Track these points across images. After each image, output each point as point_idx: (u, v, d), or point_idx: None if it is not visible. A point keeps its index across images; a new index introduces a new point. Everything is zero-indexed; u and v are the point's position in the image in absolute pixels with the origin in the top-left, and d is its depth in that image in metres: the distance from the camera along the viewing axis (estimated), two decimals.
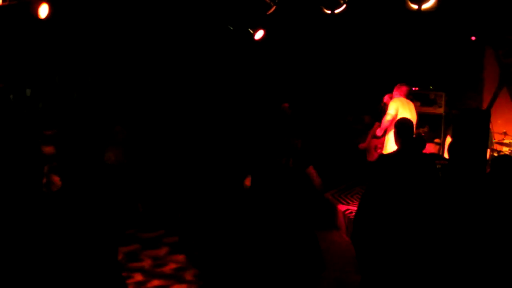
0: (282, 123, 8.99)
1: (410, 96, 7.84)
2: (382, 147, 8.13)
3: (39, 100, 8.60)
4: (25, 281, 3.14)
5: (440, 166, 6.85)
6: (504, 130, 8.30)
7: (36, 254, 3.38)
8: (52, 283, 3.01)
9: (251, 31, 8.85)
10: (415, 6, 7.11)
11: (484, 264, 3.65)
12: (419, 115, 9.59)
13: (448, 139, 8.38)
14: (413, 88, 9.94)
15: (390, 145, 7.57)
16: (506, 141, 8.11)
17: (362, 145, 8.51)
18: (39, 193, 4.39)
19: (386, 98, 7.93)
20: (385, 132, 7.66)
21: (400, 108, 7.55)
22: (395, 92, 7.80)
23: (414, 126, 7.58)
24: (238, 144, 8.61)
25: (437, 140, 9.16)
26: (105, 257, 3.02)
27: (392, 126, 7.58)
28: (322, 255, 2.86)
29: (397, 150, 4.87)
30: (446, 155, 8.35)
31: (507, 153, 7.82)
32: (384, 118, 7.59)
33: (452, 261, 3.78)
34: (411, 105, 7.81)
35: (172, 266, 6.43)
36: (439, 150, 9.14)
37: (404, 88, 7.74)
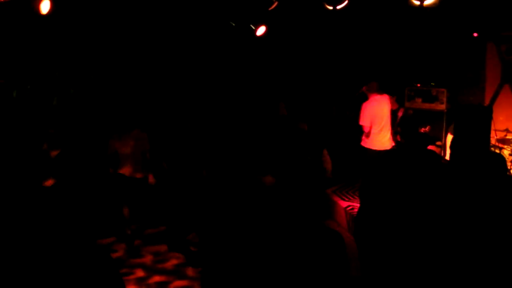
0: (278, 122, 9.04)
1: (384, 94, 8.10)
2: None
3: (51, 96, 8.60)
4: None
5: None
6: (506, 127, 8.28)
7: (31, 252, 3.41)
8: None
9: (253, 27, 8.84)
10: (417, 2, 7.11)
11: (486, 262, 3.65)
12: (421, 111, 9.63)
13: (449, 137, 8.37)
14: (415, 85, 9.96)
15: (375, 143, 7.93)
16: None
17: None
18: (38, 190, 4.39)
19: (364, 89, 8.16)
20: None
21: (372, 117, 7.89)
22: (367, 90, 8.04)
23: (388, 120, 8.09)
24: (242, 141, 8.61)
25: (438, 143, 9.14)
26: (96, 254, 3.01)
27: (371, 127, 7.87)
28: (346, 255, 2.84)
29: (401, 146, 4.88)
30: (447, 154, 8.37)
31: (509, 151, 7.80)
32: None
33: (454, 259, 3.78)
34: (383, 103, 8.04)
35: (174, 262, 6.44)
36: (440, 152, 9.12)
37: (374, 84, 8.01)
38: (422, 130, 8.65)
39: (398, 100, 9.18)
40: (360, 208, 4.80)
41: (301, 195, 2.75)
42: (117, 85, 9.30)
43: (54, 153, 6.13)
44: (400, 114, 9.07)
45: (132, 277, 5.96)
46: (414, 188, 4.39)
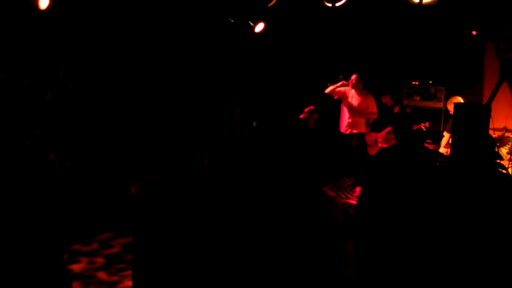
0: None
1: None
2: (382, 141, 8.14)
3: (47, 91, 8.56)
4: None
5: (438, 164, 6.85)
6: (504, 125, 8.29)
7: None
8: None
9: (251, 24, 8.82)
10: (416, 0, 7.10)
11: (484, 263, 3.66)
12: (419, 109, 9.65)
13: (446, 135, 8.38)
14: (413, 82, 9.97)
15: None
16: None
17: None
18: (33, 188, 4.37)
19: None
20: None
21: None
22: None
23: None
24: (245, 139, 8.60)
25: (428, 141, 9.17)
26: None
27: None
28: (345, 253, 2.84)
29: (396, 144, 4.88)
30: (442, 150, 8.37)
31: (507, 149, 7.81)
32: None
33: (451, 259, 3.78)
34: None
35: None
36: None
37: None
38: (422, 125, 8.70)
39: (393, 97, 9.20)
40: (356, 206, 4.80)
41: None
42: (115, 81, 9.27)
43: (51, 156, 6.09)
44: (396, 110, 9.08)
45: (128, 272, 5.95)
46: (411, 187, 4.38)
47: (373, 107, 8.86)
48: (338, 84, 8.91)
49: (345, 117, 9.08)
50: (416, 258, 4.01)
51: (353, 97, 8.97)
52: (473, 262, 3.67)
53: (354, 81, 8.86)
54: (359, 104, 8.89)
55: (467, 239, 3.72)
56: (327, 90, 8.98)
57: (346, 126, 9.07)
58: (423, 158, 4.69)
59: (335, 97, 9.06)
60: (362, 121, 8.82)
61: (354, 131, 8.98)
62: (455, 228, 3.79)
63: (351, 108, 8.94)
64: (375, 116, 8.66)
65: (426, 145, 8.32)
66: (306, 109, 8.85)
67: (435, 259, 3.84)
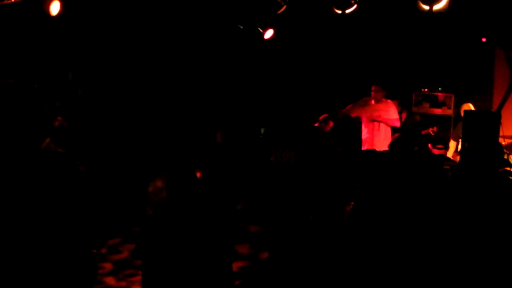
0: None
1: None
2: None
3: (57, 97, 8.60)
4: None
5: (448, 167, 6.83)
6: None
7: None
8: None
9: (261, 31, 8.84)
10: (426, 7, 7.09)
11: (488, 266, 3.65)
12: (428, 116, 9.61)
13: (452, 143, 8.35)
14: (423, 89, 9.95)
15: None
16: None
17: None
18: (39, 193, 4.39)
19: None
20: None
21: None
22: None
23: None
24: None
25: (439, 146, 9.07)
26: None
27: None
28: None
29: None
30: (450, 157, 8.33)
31: None
32: None
33: (455, 263, 3.77)
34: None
35: None
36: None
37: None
38: (430, 130, 8.66)
39: (401, 103, 9.15)
40: (355, 206, 4.79)
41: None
42: (124, 86, 9.32)
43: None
44: (404, 116, 9.03)
45: (136, 278, 5.96)
46: (417, 193, 4.38)
47: (395, 113, 8.24)
48: (359, 101, 8.23)
49: (377, 138, 8.17)
50: (416, 260, 4.01)
51: (375, 109, 8.21)
52: (478, 267, 3.67)
53: (375, 92, 8.12)
54: (383, 115, 8.16)
55: (473, 244, 3.71)
56: (346, 109, 8.31)
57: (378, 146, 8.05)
58: (430, 165, 4.69)
59: (353, 115, 8.38)
60: (388, 136, 8.38)
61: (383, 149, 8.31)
62: (460, 233, 3.79)
63: (374, 116, 8.17)
64: (398, 123, 8.22)
65: (437, 150, 8.32)
66: (321, 117, 8.35)
67: (436, 262, 3.84)
